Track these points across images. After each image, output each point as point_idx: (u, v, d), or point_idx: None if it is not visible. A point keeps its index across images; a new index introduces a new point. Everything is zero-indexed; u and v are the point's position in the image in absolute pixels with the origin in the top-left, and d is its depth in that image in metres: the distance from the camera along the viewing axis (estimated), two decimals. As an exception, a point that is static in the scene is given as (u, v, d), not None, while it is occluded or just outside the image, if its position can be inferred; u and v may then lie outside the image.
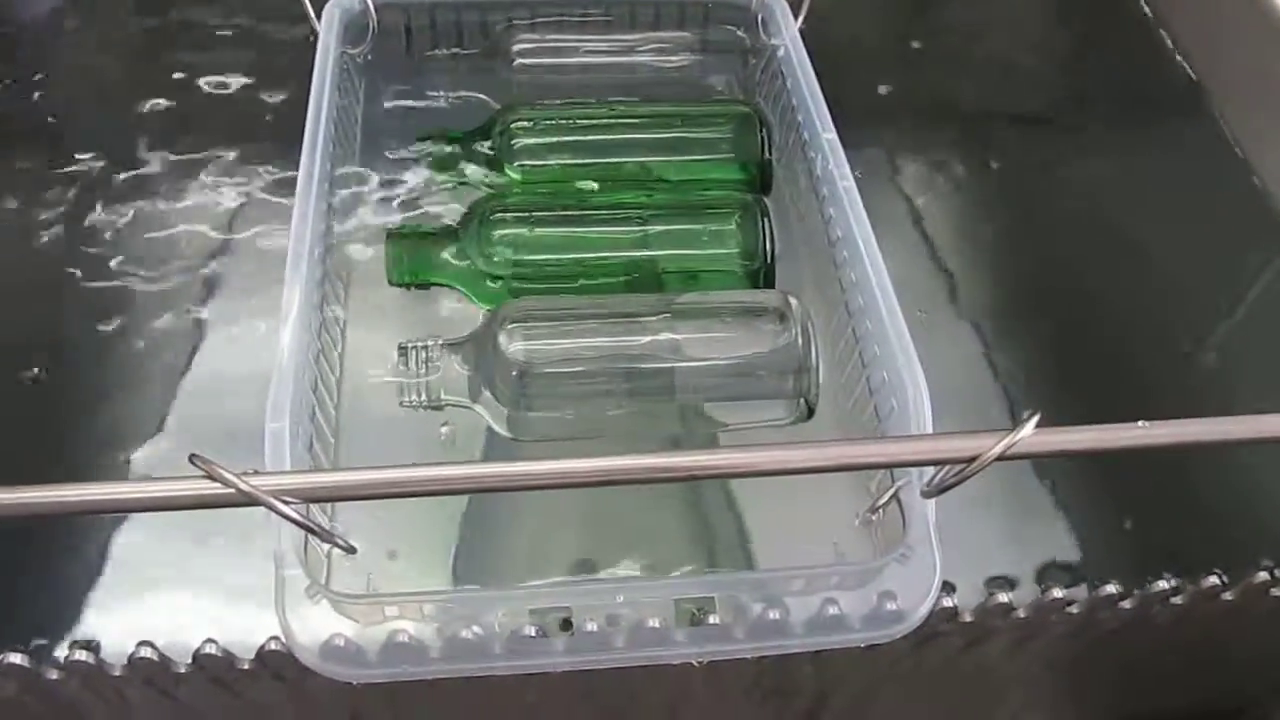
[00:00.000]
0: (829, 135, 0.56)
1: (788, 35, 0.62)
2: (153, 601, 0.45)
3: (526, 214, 0.54)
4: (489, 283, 0.53)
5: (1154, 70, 0.71)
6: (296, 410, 0.43)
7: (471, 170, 0.59)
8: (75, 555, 0.46)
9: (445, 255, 0.53)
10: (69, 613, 0.44)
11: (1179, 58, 0.71)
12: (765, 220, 0.54)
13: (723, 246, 0.55)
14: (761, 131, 0.58)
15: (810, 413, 0.48)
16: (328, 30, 0.60)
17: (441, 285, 0.54)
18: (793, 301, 0.49)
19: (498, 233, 0.53)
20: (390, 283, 0.54)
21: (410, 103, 0.66)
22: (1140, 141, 0.68)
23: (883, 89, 0.69)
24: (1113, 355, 0.57)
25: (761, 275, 0.53)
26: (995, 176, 0.65)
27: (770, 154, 0.58)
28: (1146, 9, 0.73)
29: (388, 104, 0.66)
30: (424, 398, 0.48)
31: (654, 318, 0.49)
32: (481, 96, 0.65)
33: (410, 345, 0.48)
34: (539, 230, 0.54)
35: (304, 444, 0.45)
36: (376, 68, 0.66)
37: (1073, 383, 0.56)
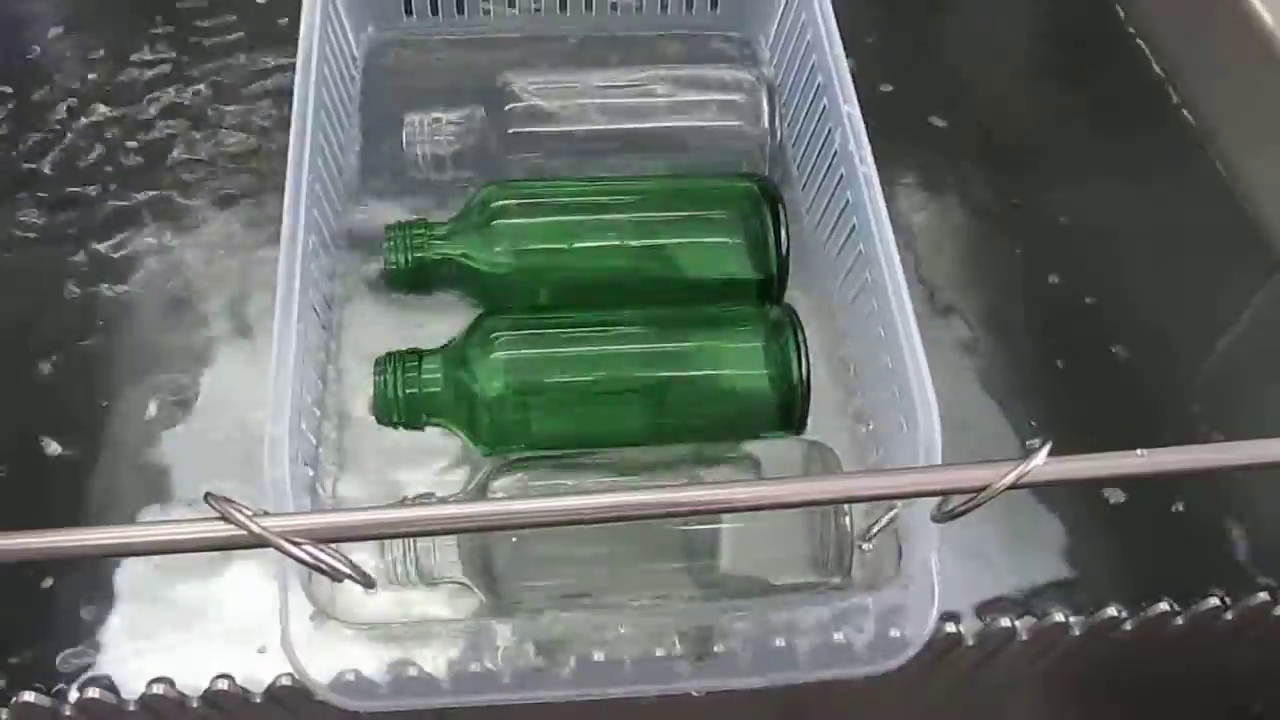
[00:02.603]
0: (849, 108, 0.52)
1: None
2: (166, 637, 0.46)
3: (529, 333, 0.51)
4: (488, 419, 0.49)
5: (1144, 96, 0.70)
6: (295, 415, 0.43)
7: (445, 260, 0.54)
8: (89, 591, 0.47)
9: (440, 384, 0.50)
10: (83, 650, 0.46)
11: (1166, 83, 0.70)
12: (797, 336, 0.49)
13: (749, 368, 0.51)
14: (773, 217, 0.53)
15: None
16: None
17: (437, 425, 0.51)
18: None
19: (498, 355, 0.49)
20: (379, 421, 0.51)
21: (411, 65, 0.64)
22: (1128, 164, 0.67)
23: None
24: (1108, 375, 0.57)
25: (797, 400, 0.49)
26: (987, 200, 0.64)
27: (785, 244, 0.53)
28: (1139, 39, 0.73)
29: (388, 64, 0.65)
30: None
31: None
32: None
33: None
34: (542, 349, 0.51)
35: (304, 449, 0.45)
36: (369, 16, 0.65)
37: (1070, 402, 0.56)
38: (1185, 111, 0.68)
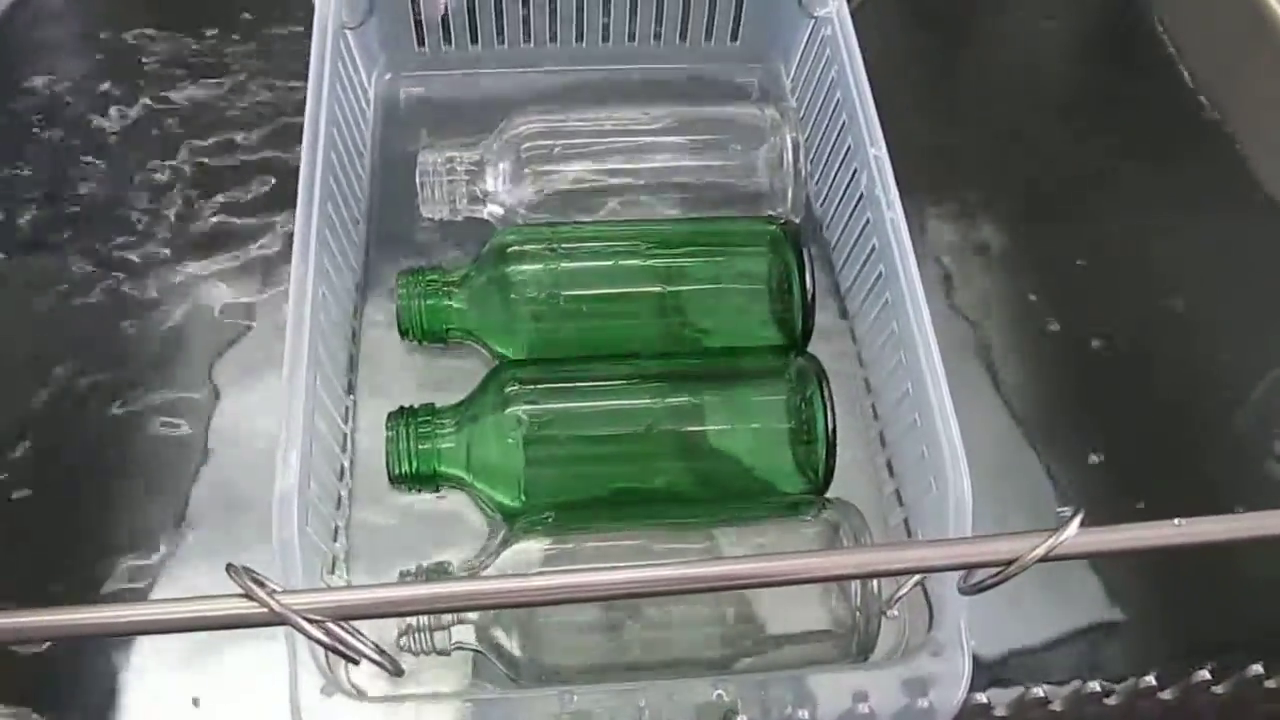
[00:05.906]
0: (876, 151, 0.52)
1: (834, 6, 0.57)
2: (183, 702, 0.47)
3: (545, 388, 0.51)
4: (503, 477, 0.49)
5: (1181, 116, 0.70)
6: (305, 472, 0.43)
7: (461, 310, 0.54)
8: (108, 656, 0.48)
9: (454, 441, 0.50)
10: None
11: (1201, 97, 0.70)
12: (823, 390, 0.49)
13: (773, 422, 0.51)
14: (799, 263, 0.52)
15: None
16: (324, 2, 0.57)
17: (454, 485, 0.51)
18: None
19: (513, 411, 0.49)
20: (391, 481, 0.50)
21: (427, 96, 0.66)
22: (1169, 192, 0.67)
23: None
24: (1148, 420, 0.57)
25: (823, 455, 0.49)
26: (1021, 228, 0.64)
27: (811, 291, 0.52)
28: (1173, 48, 0.72)
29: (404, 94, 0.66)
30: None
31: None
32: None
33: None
34: (559, 404, 0.50)
35: (316, 507, 0.45)
36: (383, 48, 0.65)
37: (1111, 451, 0.56)
38: (1223, 131, 0.68)
